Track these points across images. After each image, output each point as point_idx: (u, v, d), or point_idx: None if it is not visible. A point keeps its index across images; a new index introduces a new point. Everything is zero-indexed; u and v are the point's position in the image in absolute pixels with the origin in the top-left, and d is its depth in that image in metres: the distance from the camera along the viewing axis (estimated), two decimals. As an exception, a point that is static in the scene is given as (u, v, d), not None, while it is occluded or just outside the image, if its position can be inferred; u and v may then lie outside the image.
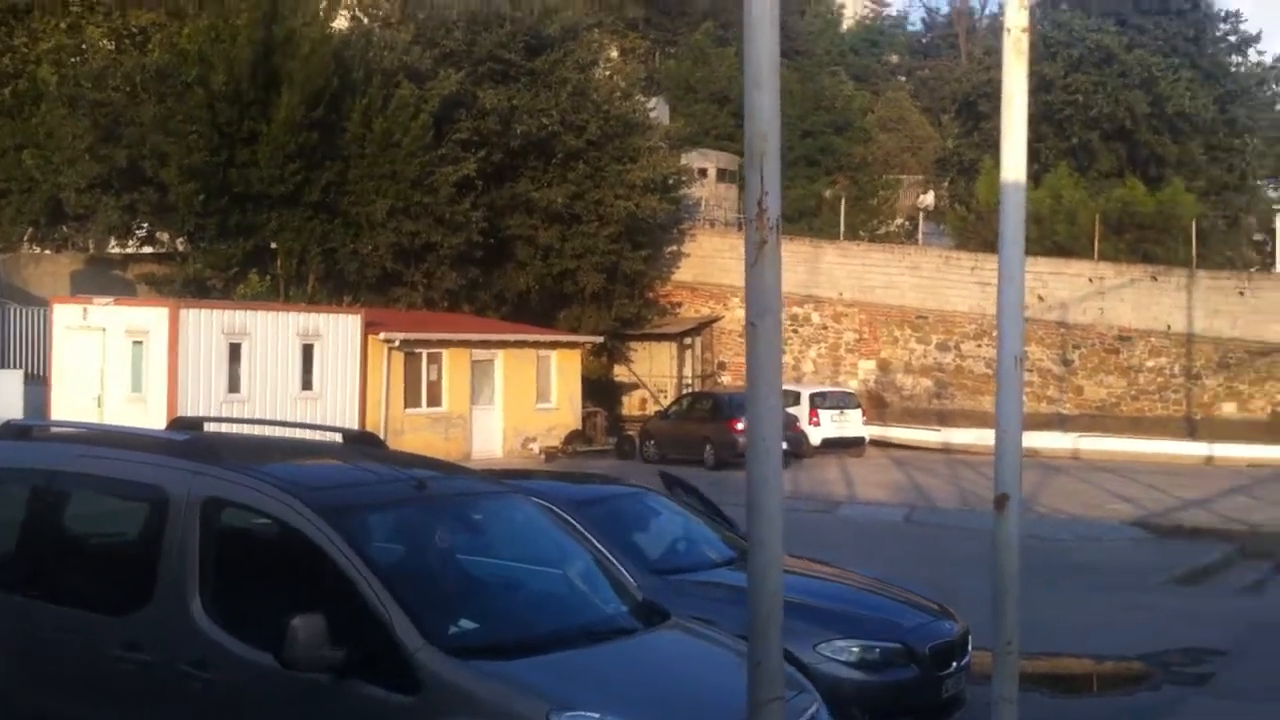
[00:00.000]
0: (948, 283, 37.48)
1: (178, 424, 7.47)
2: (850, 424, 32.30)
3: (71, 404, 23.25)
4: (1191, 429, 33.84)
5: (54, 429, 8.86)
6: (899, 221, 49.69)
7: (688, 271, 40.41)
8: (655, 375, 39.30)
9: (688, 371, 39.83)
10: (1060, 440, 32.21)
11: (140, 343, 23.94)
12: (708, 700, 5.39)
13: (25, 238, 37.29)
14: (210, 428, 7.58)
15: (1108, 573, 15.73)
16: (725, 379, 38.90)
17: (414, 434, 26.93)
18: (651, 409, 36.68)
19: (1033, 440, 30.17)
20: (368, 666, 5.22)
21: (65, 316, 24.98)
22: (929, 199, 53.69)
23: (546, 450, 30.42)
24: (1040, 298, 35.50)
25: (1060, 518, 20.35)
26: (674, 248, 40.34)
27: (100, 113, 30.75)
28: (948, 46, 67.05)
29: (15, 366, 27.51)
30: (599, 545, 7.39)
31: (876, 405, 36.61)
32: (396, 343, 27.98)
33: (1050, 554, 16.14)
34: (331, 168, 30.45)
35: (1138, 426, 34.14)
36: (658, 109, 43.60)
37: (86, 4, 37.54)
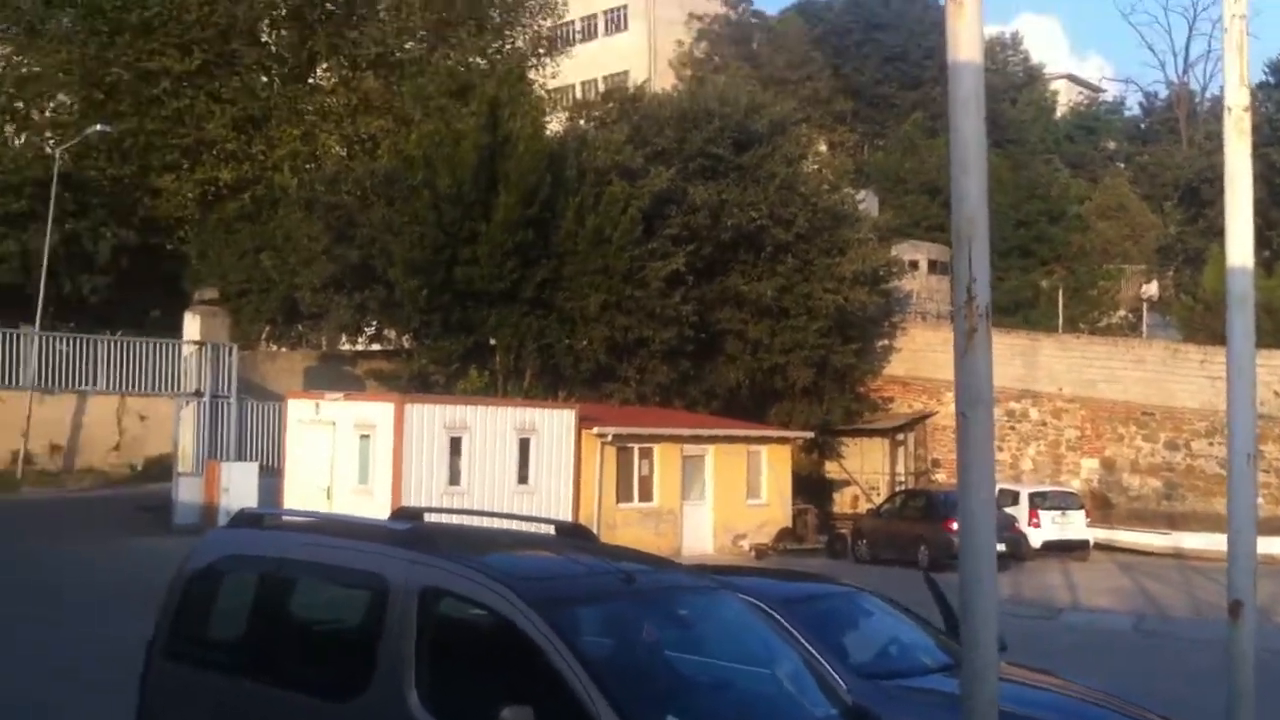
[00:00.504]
0: (1175, 377, 35.90)
1: (400, 514, 7.69)
2: (1073, 526, 31.06)
3: (302, 495, 24.23)
4: None
5: (284, 518, 9.24)
6: (1121, 313, 48.03)
7: (899, 366, 39.84)
8: (867, 472, 38.68)
9: (900, 469, 39.07)
10: (1302, 545, 30.22)
11: (367, 436, 24.85)
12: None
13: (263, 336, 39.45)
14: (431, 518, 7.79)
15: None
16: (939, 476, 37.99)
17: (625, 529, 27.09)
18: (863, 506, 36.04)
19: (1271, 546, 28.39)
20: (575, 760, 5.21)
21: (298, 411, 26.14)
22: (1153, 289, 51.75)
23: (757, 547, 30.17)
24: (1277, 394, 33.63)
25: (1304, 629, 19.02)
26: (885, 341, 39.89)
27: (333, 215, 32.47)
28: (1167, 131, 64.96)
29: (251, 459, 28.99)
30: (808, 646, 7.25)
31: (1101, 506, 35.12)
32: (609, 437, 28.31)
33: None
34: (546, 265, 31.32)
35: (1390, 530, 31.78)
36: (866, 201, 43.48)
37: (320, 113, 39.91)
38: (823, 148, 44.13)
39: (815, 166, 38.42)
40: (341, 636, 6.75)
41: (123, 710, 7.20)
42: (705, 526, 30.36)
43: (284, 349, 39.80)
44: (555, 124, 36.12)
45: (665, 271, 31.99)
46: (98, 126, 34.67)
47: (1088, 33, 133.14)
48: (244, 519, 7.43)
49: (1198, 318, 40.32)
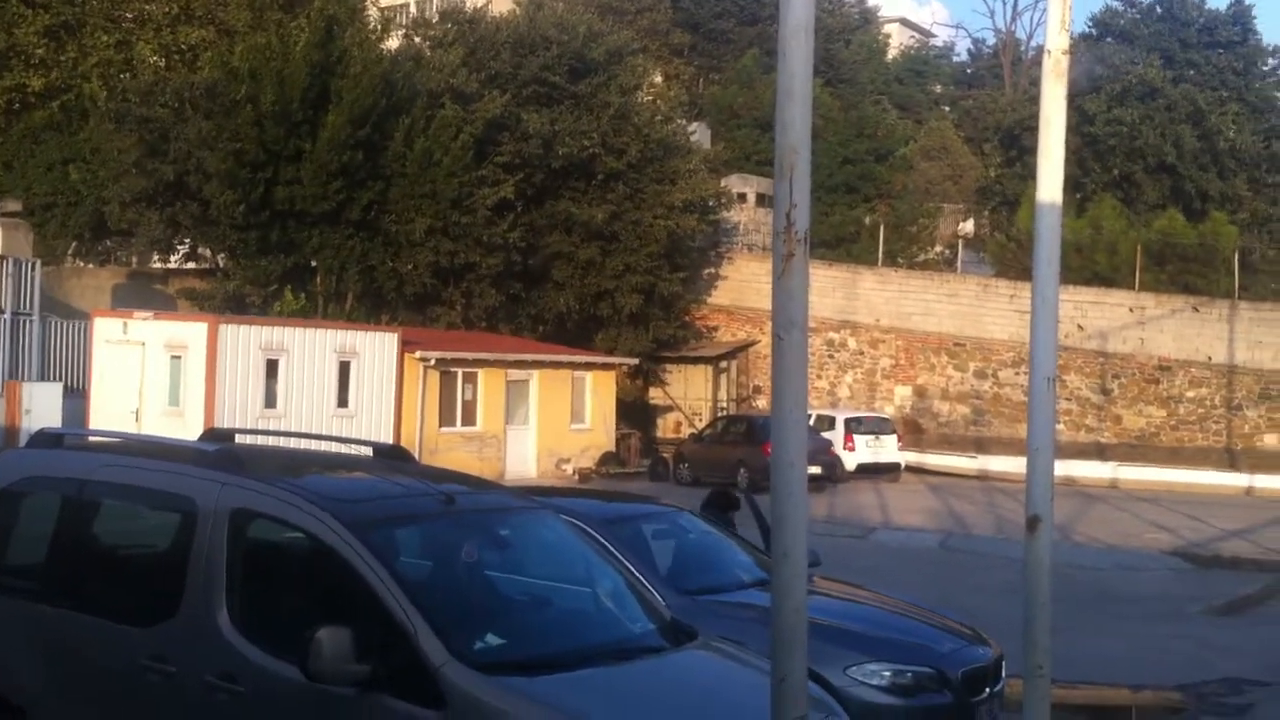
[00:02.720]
0: (986, 310, 37.26)
1: (210, 435, 7.48)
2: (886, 449, 32.18)
3: (109, 416, 23.46)
4: (1232, 460, 33.43)
5: (87, 438, 8.91)
6: (938, 249, 49.47)
7: (725, 295, 40.39)
8: (690, 398, 39.25)
9: (723, 395, 39.76)
10: (1098, 469, 31.94)
11: (179, 357, 24.14)
12: (734, 719, 5.34)
13: (69, 251, 37.76)
14: (243, 440, 7.61)
15: (1146, 602, 15.53)
16: (760, 403, 38.79)
17: (449, 453, 27.00)
18: (686, 432, 36.62)
19: (1071, 469, 29.92)
20: (392, 681, 5.19)
21: (106, 330, 25.23)
22: (969, 227, 53.45)
23: (580, 471, 30.42)
24: (1080, 327, 35.22)
25: (1098, 547, 20.14)
26: (711, 270, 40.36)
27: (147, 128, 31.13)
28: (993, 77, 66.74)
29: (55, 379, 27.81)
30: (628, 564, 7.34)
31: (913, 431, 36.39)
32: (432, 361, 28.09)
33: (1088, 583, 15.98)
34: (373, 187, 30.66)
35: (1177, 457, 33.77)
36: (698, 133, 43.68)
37: (138, 21, 38.07)
38: (658, 79, 44.06)
39: (649, 98, 38.39)
40: (148, 561, 6.57)
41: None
42: (529, 451, 30.46)
43: (91, 266, 38.17)
44: (391, 42, 35.15)
45: (494, 199, 31.68)
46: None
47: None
48: (43, 439, 7.15)
49: (1010, 255, 41.79)
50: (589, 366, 32.38)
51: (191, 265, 35.43)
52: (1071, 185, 38.62)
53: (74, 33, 37.48)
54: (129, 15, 38.30)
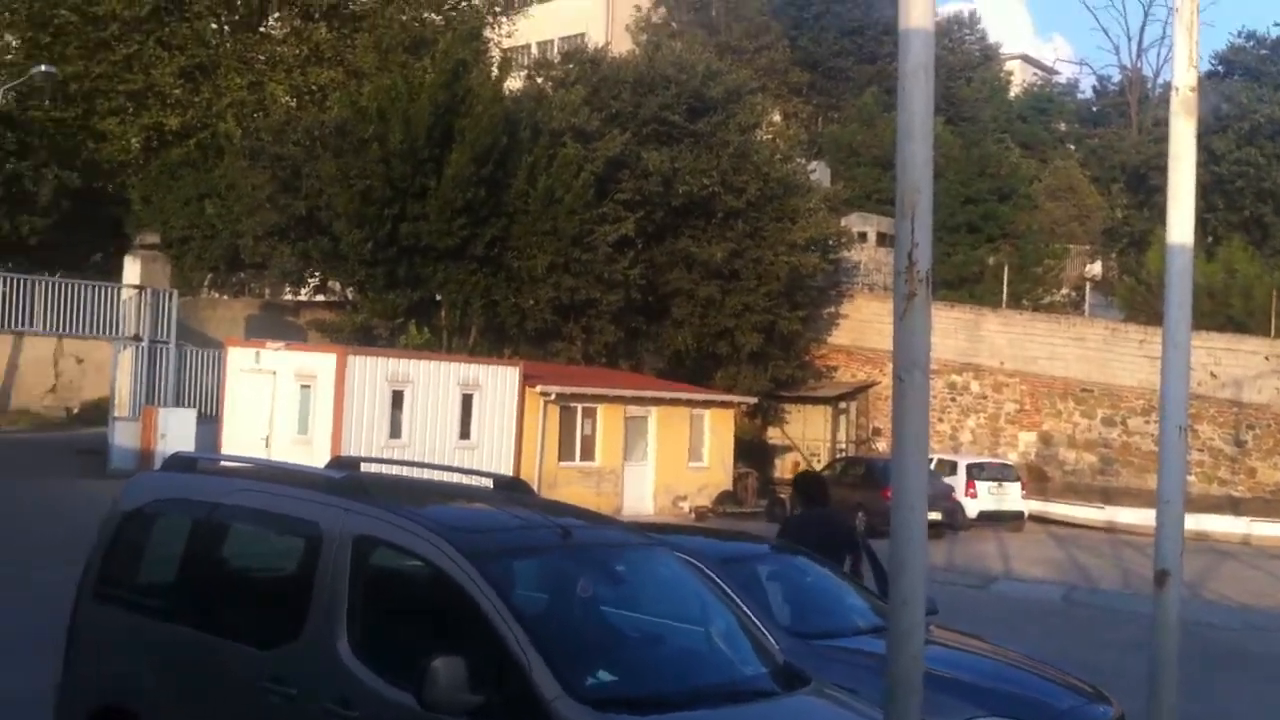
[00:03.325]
0: (1114, 355, 36.39)
1: (336, 463, 7.64)
2: (1009, 497, 31.49)
3: (240, 443, 24.04)
4: (1375, 517, 32.08)
5: (218, 463, 9.16)
6: (1064, 292, 48.54)
7: (845, 335, 40.09)
8: (809, 439, 38.95)
9: (842, 436, 39.39)
10: (1231, 524, 30.86)
11: (308, 387, 24.69)
12: (845, 768, 5.26)
13: (205, 283, 39.01)
14: (367, 468, 7.75)
15: (1278, 663, 14.94)
16: (880, 445, 38.35)
17: (566, 487, 27.13)
18: (803, 473, 36.29)
19: (1202, 523, 28.96)
20: (505, 712, 5.21)
21: (239, 359, 25.92)
22: (1096, 269, 52.35)
23: (697, 509, 30.34)
24: (1213, 374, 34.19)
25: (1229, 605, 19.47)
26: (831, 310, 40.13)
27: (279, 166, 32.08)
28: (1118, 115, 65.50)
29: (190, 405, 28.71)
30: (742, 605, 7.29)
31: (1037, 479, 35.61)
32: (553, 396, 28.31)
33: (1217, 642, 15.43)
34: (496, 224, 31.15)
35: (1316, 513, 32.52)
36: (818, 172, 43.58)
37: (269, 62, 39.36)
38: (777, 118, 44.10)
39: (769, 136, 38.45)
40: (273, 584, 6.71)
41: (51, 653, 7.12)
42: (646, 487, 30.48)
43: (225, 296, 39.38)
44: (513, 82, 35.85)
45: (614, 236, 31.96)
46: (42, 68, 33.96)
47: (1051, 13, 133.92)
48: (177, 462, 7.35)
49: (1139, 298, 40.85)
50: (708, 404, 32.34)
51: (321, 298, 36.37)
52: (1200, 227, 37.65)
53: (209, 74, 38.89)
54: (261, 57, 39.63)
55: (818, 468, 35.00)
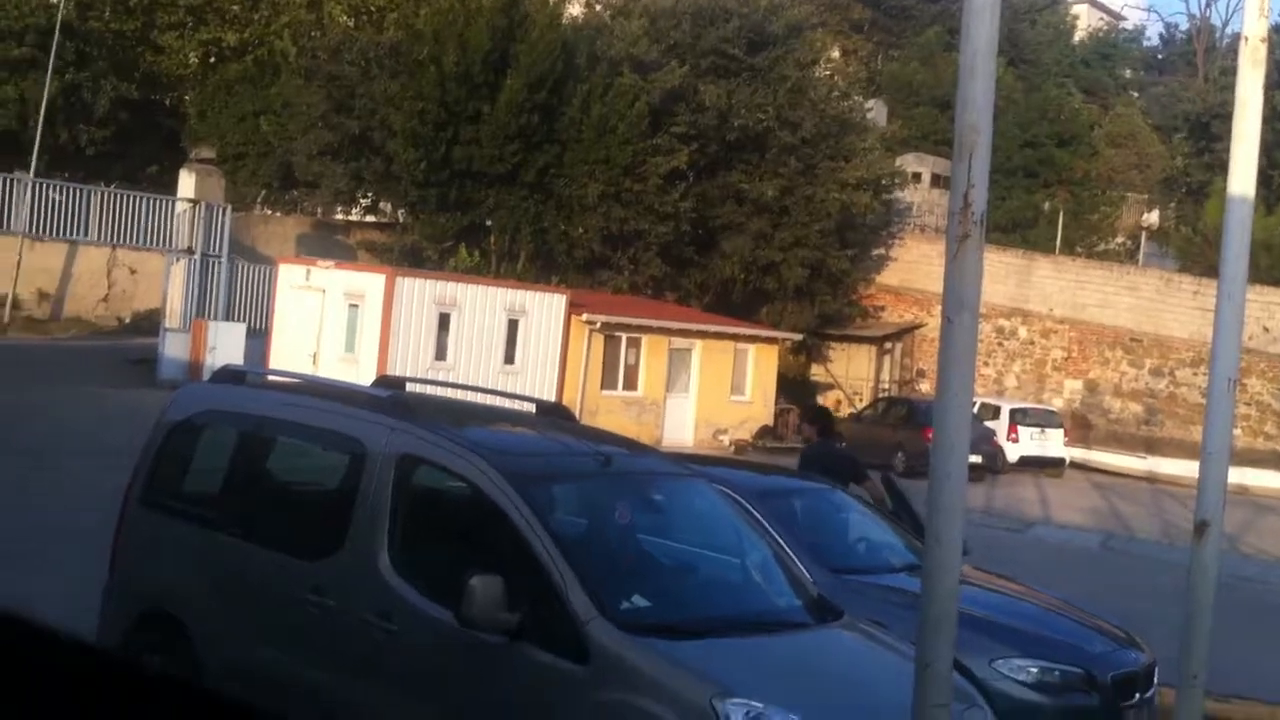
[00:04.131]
0: (1166, 306, 35.96)
1: (381, 382, 7.73)
2: (1051, 443, 31.30)
3: (288, 358, 24.31)
4: None
5: (266, 377, 9.27)
6: (1119, 240, 47.90)
7: (894, 275, 39.81)
8: (852, 377, 38.86)
9: (885, 376, 39.26)
10: (1274, 479, 30.55)
11: (356, 305, 24.88)
12: (873, 701, 5.32)
13: (258, 199, 39.24)
14: (411, 388, 7.83)
15: (1317, 621, 14.87)
16: (923, 387, 38.19)
17: (608, 415, 27.24)
18: (845, 411, 36.28)
19: (1245, 477, 28.67)
20: (540, 632, 5.31)
21: (289, 276, 26.13)
22: (1153, 218, 51.58)
23: (737, 443, 30.41)
24: (1266, 329, 33.74)
25: (1266, 559, 19.34)
26: (881, 250, 39.81)
27: (335, 85, 32.09)
28: (1184, 64, 64.17)
29: (240, 319, 29.01)
30: (778, 538, 7.34)
31: (1080, 427, 35.38)
32: (598, 325, 28.36)
33: (1252, 595, 15.37)
34: (549, 150, 31.06)
35: (1363, 472, 32.12)
36: (875, 110, 43.07)
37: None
38: (836, 54, 43.56)
39: (827, 72, 38.02)
40: (317, 497, 6.83)
41: (98, 557, 7.29)
42: (687, 419, 30.56)
43: (278, 213, 39.59)
44: (572, 8, 35.56)
45: (666, 168, 31.79)
46: (104, -23, 34.08)
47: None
48: (226, 375, 7.46)
49: (1195, 249, 40.26)
50: (752, 339, 32.29)
51: (371, 218, 36.49)
52: (1261, 180, 36.95)
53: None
54: (319, -25, 39.50)
55: (860, 406, 34.97)
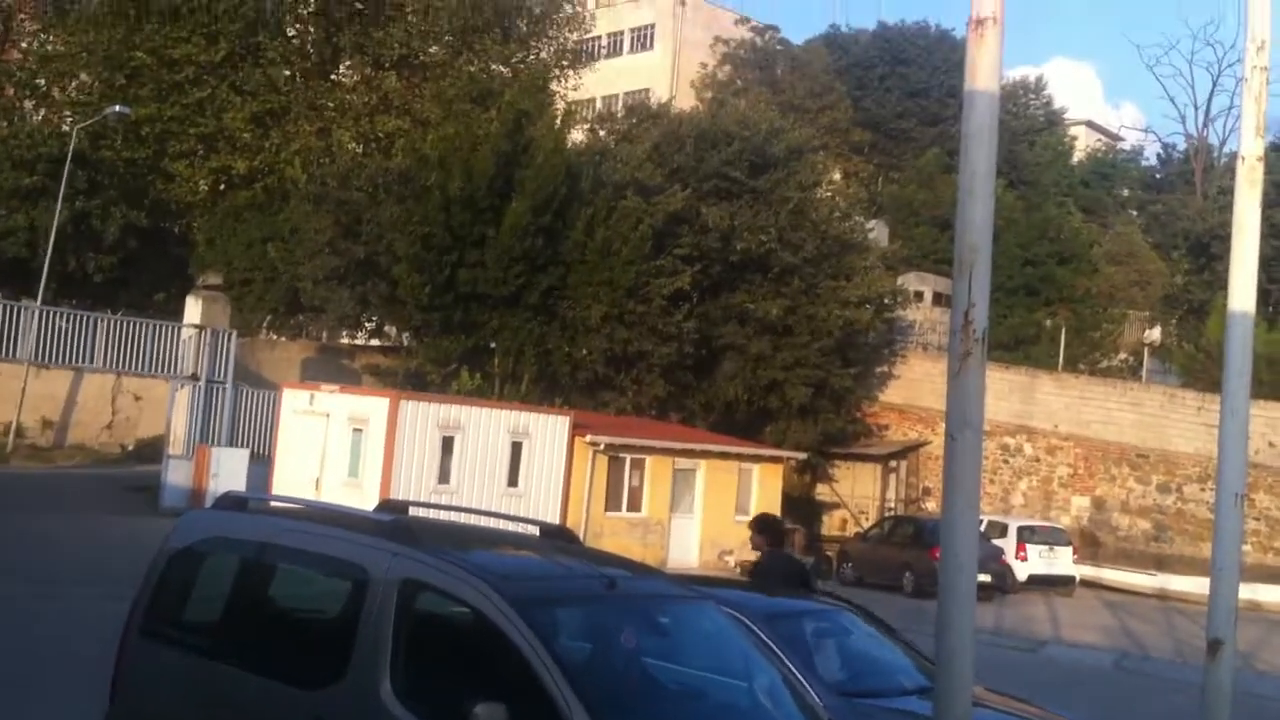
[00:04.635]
0: (1171, 422, 35.91)
1: (385, 506, 7.68)
2: (1060, 561, 31.03)
3: (292, 484, 24.23)
4: None
5: (268, 503, 9.22)
6: (1122, 356, 48.04)
7: (897, 394, 39.86)
8: (857, 496, 38.67)
9: (891, 495, 39.07)
10: (1289, 596, 30.19)
11: (360, 430, 24.85)
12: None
13: (264, 324, 39.50)
14: (415, 512, 7.78)
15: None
16: (929, 505, 37.99)
17: (613, 537, 27.06)
18: (852, 530, 36.04)
19: (1258, 593, 28.38)
20: (546, 760, 5.19)
21: (293, 401, 26.16)
22: (1155, 335, 51.80)
23: (742, 564, 30.12)
24: (1271, 444, 33.65)
25: (1283, 678, 19.01)
26: (884, 368, 39.94)
27: (343, 210, 32.53)
28: (1182, 183, 65.03)
29: (243, 444, 28.98)
30: (787, 661, 7.23)
31: (1089, 544, 35.10)
32: (602, 446, 28.30)
33: (1270, 714, 15.09)
34: (553, 272, 31.37)
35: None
36: (876, 230, 43.57)
37: (338, 109, 40.05)
38: (837, 176, 44.22)
39: (829, 194, 38.55)
40: (319, 625, 6.73)
41: (98, 686, 7.18)
42: (692, 540, 30.33)
43: (283, 339, 39.82)
44: (576, 134, 36.21)
45: (670, 289, 32.07)
46: (116, 108, 34.68)
47: (1121, 81, 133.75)
48: (228, 501, 7.41)
49: (1198, 365, 40.35)
50: (756, 459, 32.20)
51: (376, 342, 36.69)
52: (1262, 296, 37.21)
53: (279, 120, 39.58)
54: (330, 105, 40.31)
55: (866, 526, 34.73)
